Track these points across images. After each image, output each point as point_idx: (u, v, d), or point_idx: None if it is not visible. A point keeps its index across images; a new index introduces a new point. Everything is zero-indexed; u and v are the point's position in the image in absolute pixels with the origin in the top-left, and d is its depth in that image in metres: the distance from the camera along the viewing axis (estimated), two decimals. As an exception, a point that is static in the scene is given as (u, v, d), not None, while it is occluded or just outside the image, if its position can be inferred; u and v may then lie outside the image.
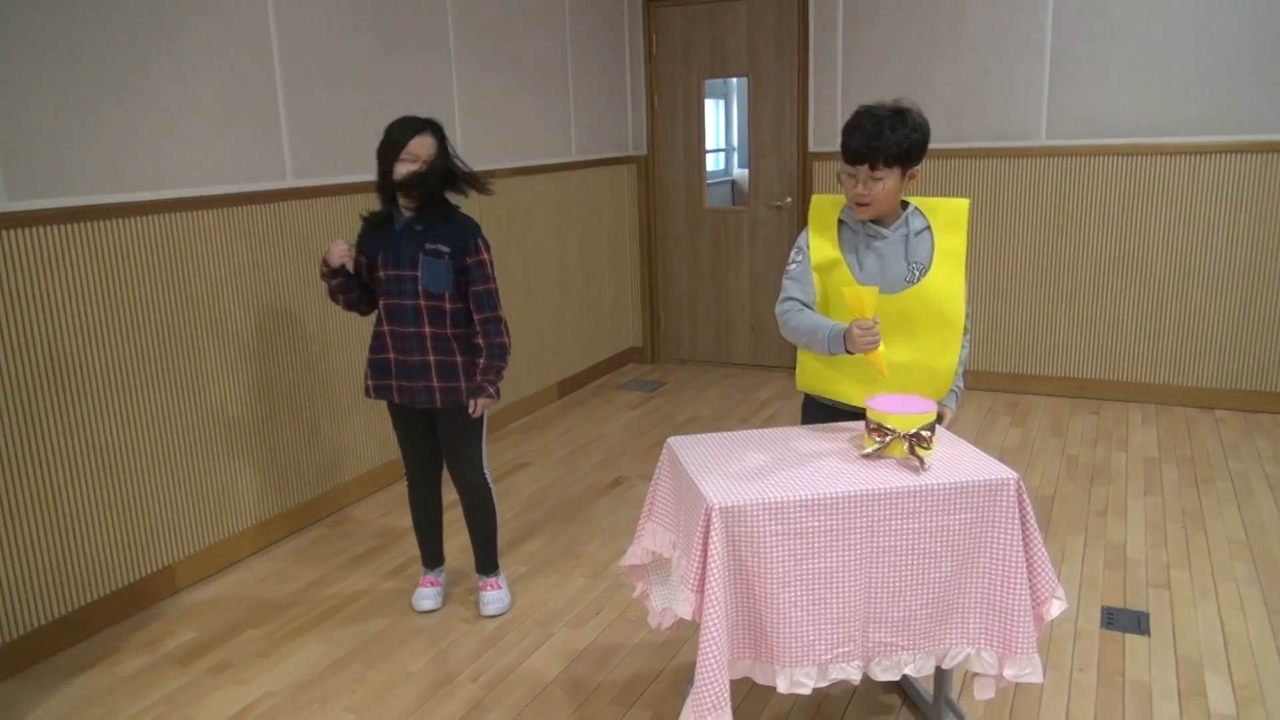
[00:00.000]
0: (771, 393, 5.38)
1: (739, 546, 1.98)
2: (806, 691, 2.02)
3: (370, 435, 4.01)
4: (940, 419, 2.39)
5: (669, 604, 2.45)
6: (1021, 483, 2.04)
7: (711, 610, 1.93)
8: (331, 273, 2.81)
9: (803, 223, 2.54)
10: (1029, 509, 2.06)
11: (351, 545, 3.54)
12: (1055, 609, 2.08)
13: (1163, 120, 4.68)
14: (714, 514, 1.94)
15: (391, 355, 2.84)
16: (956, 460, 2.14)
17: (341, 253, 2.78)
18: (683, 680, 2.61)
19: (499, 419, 4.83)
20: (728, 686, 1.93)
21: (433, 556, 3.11)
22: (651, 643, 2.82)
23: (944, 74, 5.03)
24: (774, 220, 5.73)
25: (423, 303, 2.77)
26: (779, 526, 1.97)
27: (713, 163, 7.63)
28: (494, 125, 4.61)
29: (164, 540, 3.18)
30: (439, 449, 2.98)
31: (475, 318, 2.84)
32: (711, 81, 5.94)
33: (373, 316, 2.91)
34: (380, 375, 2.88)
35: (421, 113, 3.68)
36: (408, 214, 2.76)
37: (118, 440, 3.01)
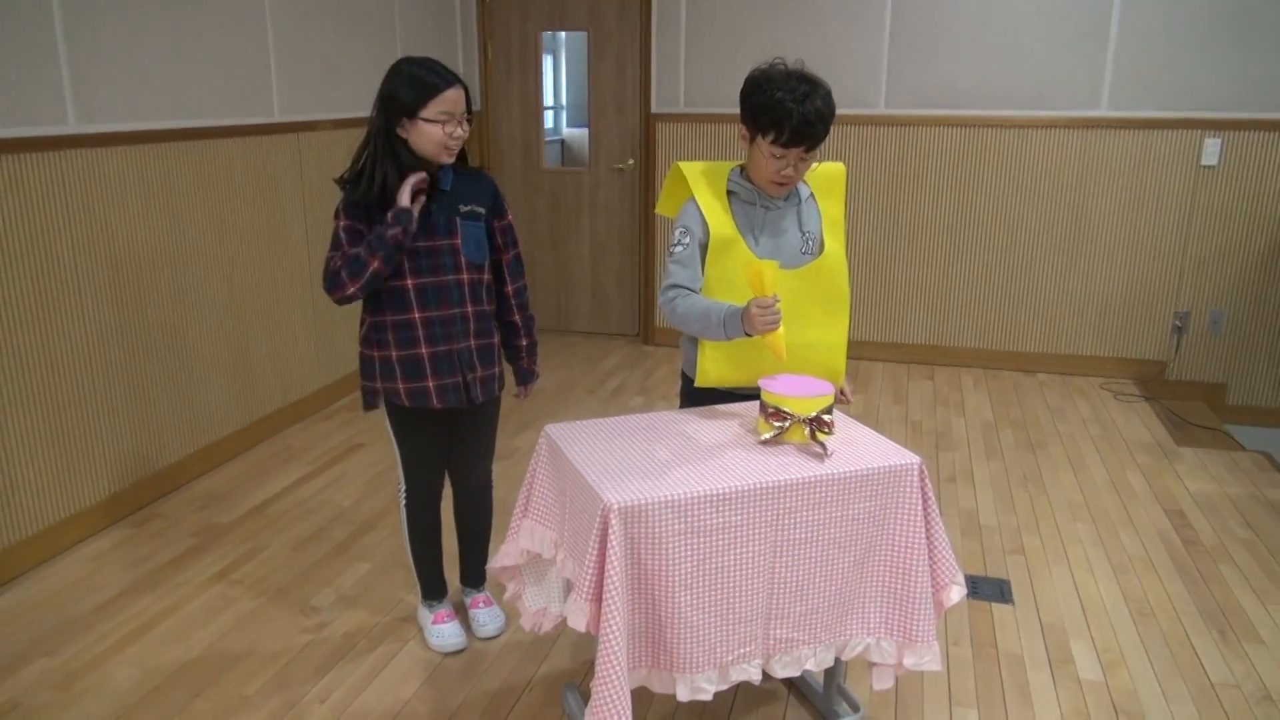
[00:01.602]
0: (616, 361, 5.22)
1: (638, 548, 1.79)
2: (707, 698, 1.88)
3: (180, 419, 3.54)
4: (844, 397, 2.29)
5: (546, 604, 2.25)
6: (924, 466, 1.97)
7: (610, 621, 1.74)
8: (400, 227, 2.18)
9: (646, 186, 2.37)
10: (930, 494, 1.98)
11: (163, 548, 3.11)
12: (955, 595, 2.03)
13: (995, 93, 4.80)
14: (612, 515, 1.74)
15: (425, 350, 2.32)
16: (856, 444, 2.03)
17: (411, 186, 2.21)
18: (560, 685, 2.41)
19: (329, 395, 4.43)
20: (629, 704, 1.76)
21: (442, 586, 2.65)
22: (519, 643, 2.61)
23: (786, 41, 4.97)
24: (616, 183, 5.53)
25: (465, 277, 2.33)
26: (682, 525, 1.79)
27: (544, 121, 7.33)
28: (314, 75, 4.15)
29: (-76, 556, 2.66)
30: (443, 455, 2.55)
31: (508, 288, 2.47)
32: (541, 36, 5.65)
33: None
34: (414, 377, 2.33)
35: (232, 54, 3.23)
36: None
37: None
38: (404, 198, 2.21)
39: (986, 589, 2.88)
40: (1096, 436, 4.13)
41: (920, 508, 1.96)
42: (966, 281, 5.07)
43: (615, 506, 1.74)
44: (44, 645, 2.57)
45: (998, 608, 2.78)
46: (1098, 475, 3.73)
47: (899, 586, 1.99)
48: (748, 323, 1.99)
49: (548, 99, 8.03)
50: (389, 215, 2.20)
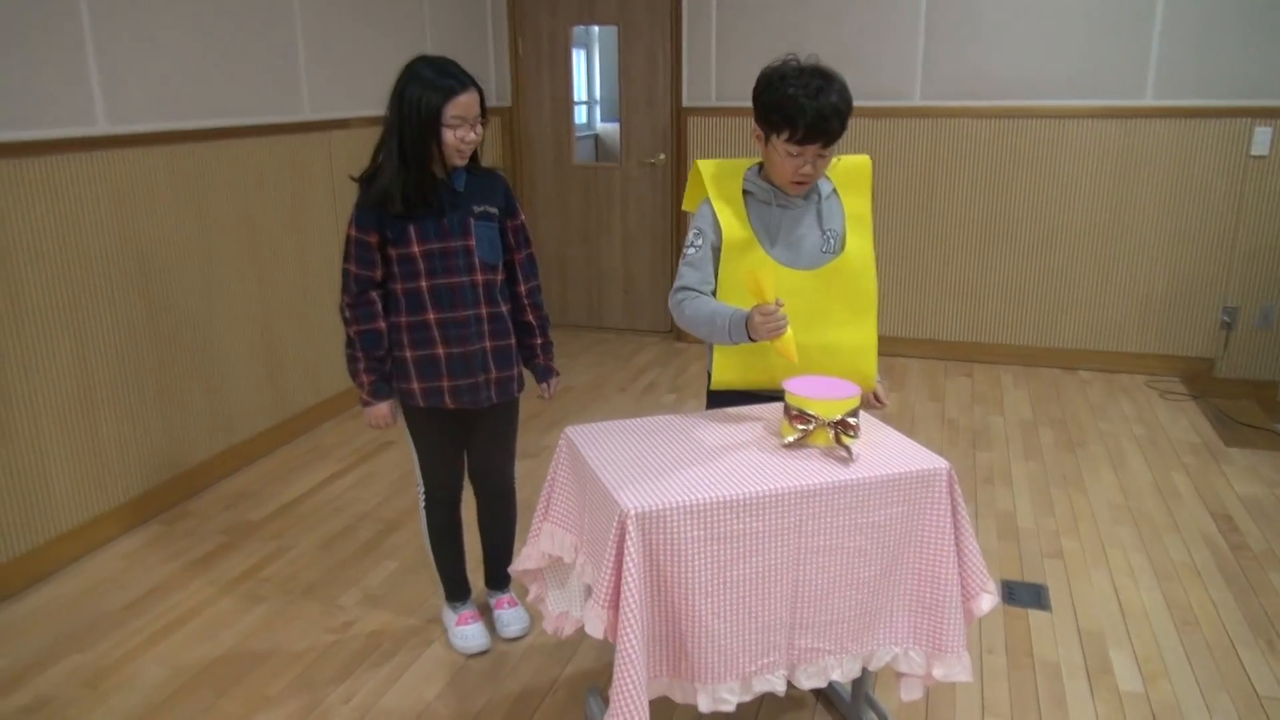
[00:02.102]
0: (648, 358, 5.18)
1: (657, 555, 1.75)
2: (730, 709, 1.83)
3: (211, 417, 3.57)
4: (878, 402, 2.24)
5: (568, 608, 2.22)
6: (952, 471, 1.90)
7: (628, 629, 1.70)
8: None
9: (677, 182, 2.33)
10: (960, 499, 1.92)
11: (193, 546, 3.13)
12: (986, 604, 1.96)
13: (1033, 82, 4.69)
14: (629, 520, 1.71)
15: (441, 350, 2.32)
16: (882, 448, 1.98)
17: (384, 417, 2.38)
18: (583, 689, 2.39)
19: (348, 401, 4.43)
20: (647, 713, 1.72)
21: (465, 586, 2.65)
22: (543, 646, 2.58)
23: (819, 32, 4.88)
24: (647, 178, 5.49)
25: (480, 278, 2.31)
26: (701, 531, 1.75)
27: (576, 116, 7.31)
28: (343, 71, 4.16)
29: (-41, 554, 2.70)
30: (463, 456, 2.55)
31: (522, 288, 2.45)
32: (574, 31, 5.61)
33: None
34: (429, 376, 2.33)
35: (260, 56, 3.23)
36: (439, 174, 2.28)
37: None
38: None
39: (1023, 594, 2.80)
40: (1140, 436, 4.02)
41: (949, 513, 1.90)
42: (1005, 276, 4.96)
43: (632, 512, 1.70)
44: (75, 642, 2.60)
45: (1034, 614, 2.70)
46: (1141, 476, 3.62)
47: (927, 595, 1.93)
48: (752, 329, 1.94)
49: (581, 94, 8.02)
50: (369, 405, 2.35)
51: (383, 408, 2.35)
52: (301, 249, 3.99)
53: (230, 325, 3.63)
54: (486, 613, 2.68)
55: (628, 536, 1.71)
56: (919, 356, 5.14)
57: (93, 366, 3.06)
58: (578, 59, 7.82)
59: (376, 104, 4.35)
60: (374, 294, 2.30)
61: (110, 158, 3.07)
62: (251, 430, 3.78)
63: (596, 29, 7.60)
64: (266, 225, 3.78)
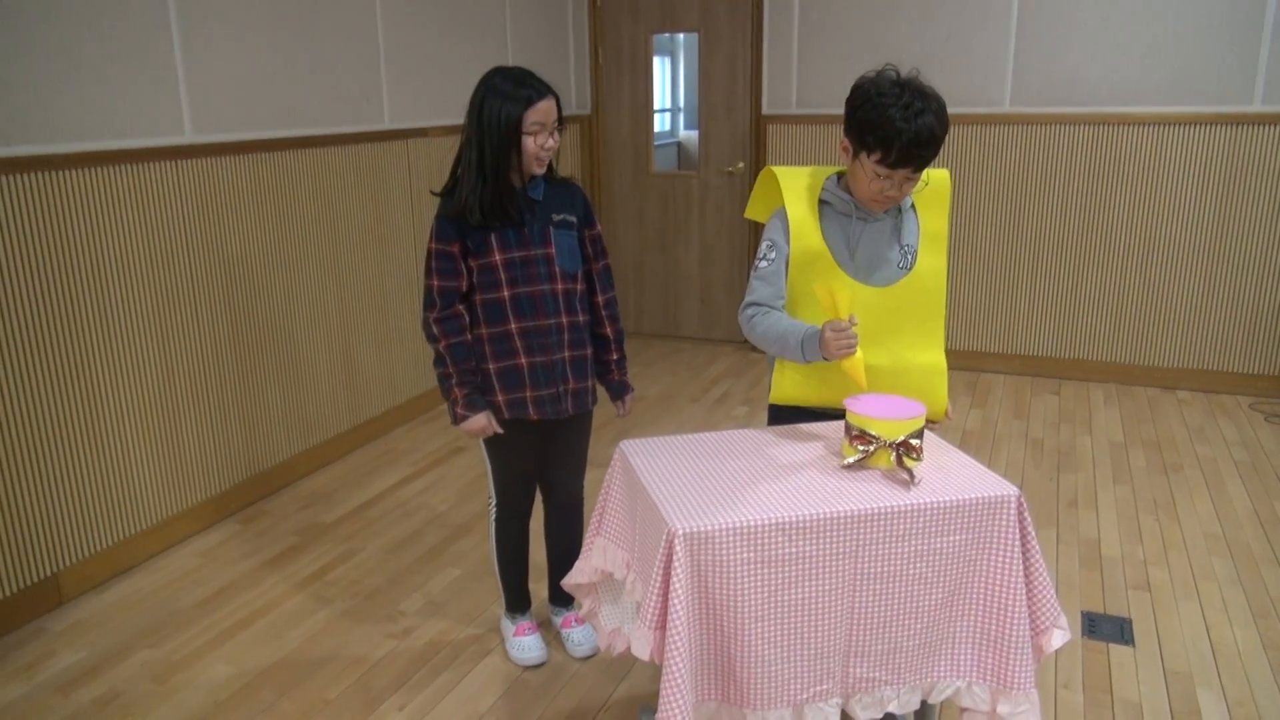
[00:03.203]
0: (721, 369, 5.12)
1: (705, 576, 1.70)
2: (780, 737, 1.77)
3: (290, 419, 3.65)
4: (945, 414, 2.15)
5: (621, 624, 2.19)
6: (1023, 499, 1.81)
7: (675, 652, 1.66)
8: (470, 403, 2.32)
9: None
10: (1030, 528, 1.82)
11: (266, 545, 3.20)
12: (1057, 639, 1.85)
13: (1130, 88, 4.48)
14: (677, 540, 1.66)
15: (523, 360, 2.30)
16: (947, 472, 1.89)
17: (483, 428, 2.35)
18: (636, 708, 2.35)
19: (434, 397, 4.50)
20: (693, 739, 1.67)
21: (526, 599, 2.63)
22: (599, 660, 2.55)
23: (905, 37, 4.76)
24: (725, 186, 5.44)
25: (560, 286, 2.30)
26: (751, 554, 1.70)
27: (659, 124, 7.30)
28: (425, 80, 4.22)
29: (47, 544, 2.81)
30: (535, 469, 2.53)
31: (599, 299, 2.42)
32: (658, 38, 5.60)
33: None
34: (512, 388, 2.32)
35: (344, 65, 3.28)
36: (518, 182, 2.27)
37: (-14, 436, 2.62)
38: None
39: (1105, 627, 2.65)
40: (1241, 461, 3.79)
41: (1018, 543, 1.80)
42: (1099, 289, 4.75)
43: (680, 532, 1.66)
44: (148, 637, 2.68)
45: (1116, 649, 2.56)
46: (1240, 504, 3.41)
47: (993, 628, 1.83)
48: (823, 347, 1.88)
49: (664, 101, 8.01)
50: (465, 419, 2.30)
51: (480, 419, 2.33)
52: (380, 256, 4.07)
53: (309, 330, 3.72)
54: (546, 626, 2.66)
55: (675, 557, 1.66)
56: (1004, 372, 4.96)
57: (176, 370, 3.16)
58: (661, 66, 7.83)
59: (456, 113, 4.40)
60: (460, 307, 2.28)
61: (196, 167, 3.17)
62: (328, 433, 3.86)
63: (680, 36, 7.58)
64: (346, 233, 3.86)
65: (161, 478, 3.15)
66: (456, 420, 2.33)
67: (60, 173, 2.75)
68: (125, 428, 3.01)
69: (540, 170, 2.26)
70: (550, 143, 2.22)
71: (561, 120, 2.24)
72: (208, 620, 2.76)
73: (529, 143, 2.18)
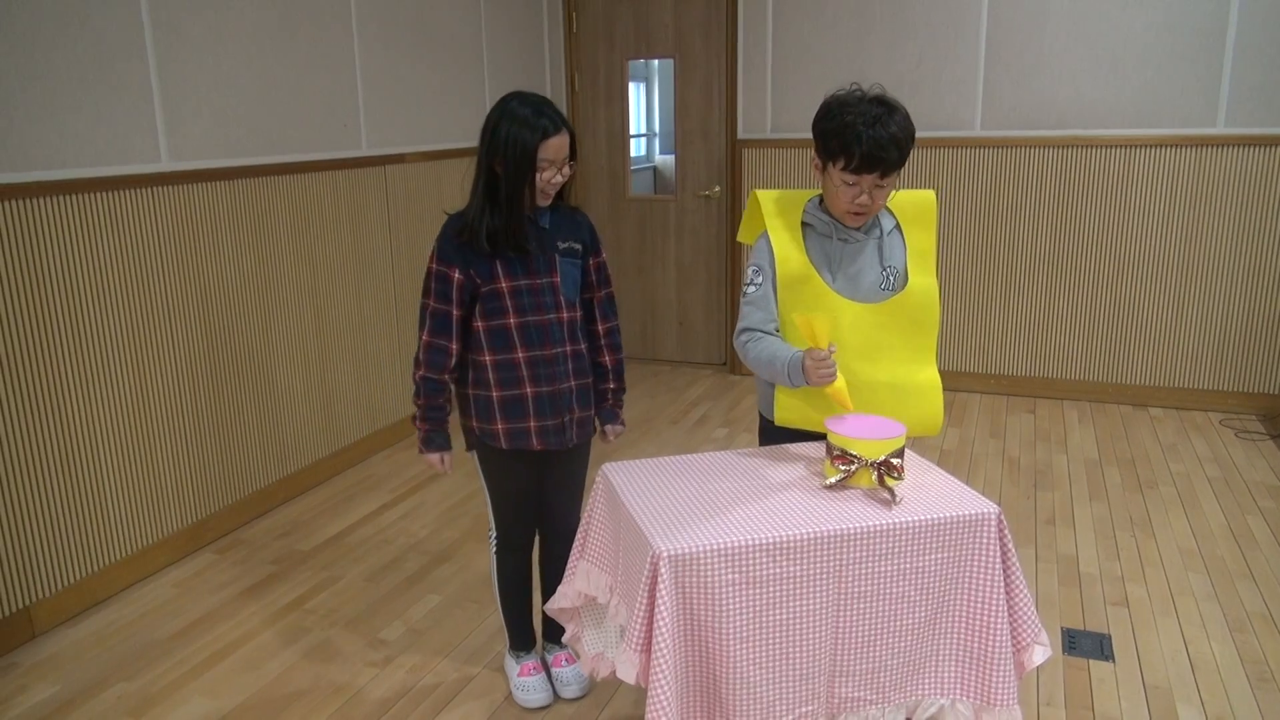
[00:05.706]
0: (700, 391, 5.14)
1: (690, 598, 1.70)
2: (766, 759, 1.76)
3: (266, 447, 3.62)
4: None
5: (604, 649, 2.18)
6: (1002, 516, 1.82)
7: (660, 675, 1.66)
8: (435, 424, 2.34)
9: (732, 214, 2.30)
10: (1010, 545, 1.84)
11: (243, 575, 3.16)
12: (1038, 655, 1.87)
13: (1098, 111, 4.57)
14: (661, 563, 1.66)
15: (529, 389, 2.26)
16: (929, 490, 1.90)
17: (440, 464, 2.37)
18: (619, 733, 2.34)
19: (400, 433, 4.46)
20: (679, 763, 1.67)
21: (530, 636, 2.56)
22: (583, 685, 2.54)
23: (877, 62, 4.84)
24: (702, 210, 5.48)
25: (565, 315, 2.27)
26: (736, 575, 1.70)
27: (635, 149, 7.35)
28: (402, 106, 4.23)
29: (19, 577, 2.76)
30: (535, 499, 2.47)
31: (600, 327, 2.39)
32: (633, 63, 5.65)
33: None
34: (515, 417, 2.27)
35: (320, 90, 3.28)
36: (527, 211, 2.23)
37: (-43, 467, 2.58)
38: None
39: (1085, 644, 2.67)
40: (1214, 477, 3.84)
41: (999, 560, 1.82)
42: (1071, 309, 4.81)
43: (665, 554, 1.66)
44: (123, 670, 2.63)
45: (1096, 665, 2.58)
46: (1214, 520, 3.45)
47: (975, 645, 1.85)
48: (805, 373, 1.90)
49: (640, 126, 8.07)
50: (423, 450, 2.34)
51: (434, 458, 2.33)
52: (358, 282, 4.06)
53: (287, 356, 3.70)
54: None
55: (660, 579, 1.66)
56: (980, 391, 5.01)
57: (151, 398, 3.13)
58: (637, 92, 7.89)
59: (434, 139, 4.45)
60: (449, 338, 2.23)
61: (173, 194, 3.15)
62: (306, 460, 3.83)
63: (655, 62, 7.65)
64: (323, 259, 3.85)
65: (136, 507, 3.11)
66: (419, 449, 2.36)
67: (36, 200, 2.73)
68: (99, 457, 2.98)
69: (545, 202, 2.23)
70: (558, 178, 2.19)
71: (575, 154, 2.22)
72: (184, 652, 2.72)
73: (536, 177, 2.15)
